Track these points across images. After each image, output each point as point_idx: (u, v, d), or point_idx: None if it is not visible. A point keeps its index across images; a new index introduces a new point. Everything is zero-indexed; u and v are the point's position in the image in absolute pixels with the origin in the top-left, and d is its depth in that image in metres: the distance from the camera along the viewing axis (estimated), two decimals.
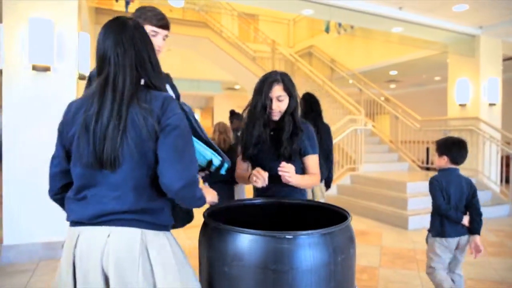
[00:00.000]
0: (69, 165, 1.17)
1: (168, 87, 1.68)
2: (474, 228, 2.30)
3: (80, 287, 1.11)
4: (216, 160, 1.40)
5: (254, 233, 1.13)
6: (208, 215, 1.34)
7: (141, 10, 1.62)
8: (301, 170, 1.85)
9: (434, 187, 2.40)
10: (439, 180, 2.41)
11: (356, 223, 4.98)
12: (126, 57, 1.12)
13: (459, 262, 2.41)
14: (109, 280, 1.09)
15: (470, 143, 6.32)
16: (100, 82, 1.12)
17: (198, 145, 1.36)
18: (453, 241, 2.33)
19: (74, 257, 1.12)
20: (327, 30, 6.46)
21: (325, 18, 5.92)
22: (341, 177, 6.26)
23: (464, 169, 6.29)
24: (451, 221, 2.32)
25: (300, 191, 1.86)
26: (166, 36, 1.62)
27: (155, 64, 1.21)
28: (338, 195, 6.12)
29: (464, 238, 2.34)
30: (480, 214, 2.32)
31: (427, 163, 7.41)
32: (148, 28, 1.55)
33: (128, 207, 1.10)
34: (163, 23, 1.59)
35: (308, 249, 1.12)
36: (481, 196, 5.63)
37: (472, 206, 2.35)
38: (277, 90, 1.74)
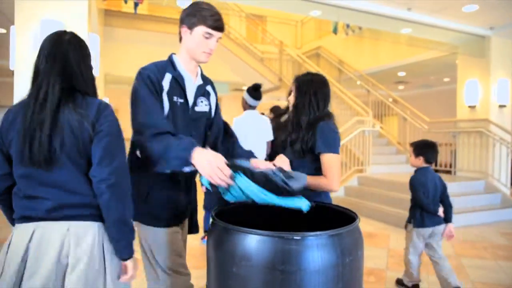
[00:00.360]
0: (10, 168, 1.25)
1: (211, 89, 1.66)
2: (449, 217, 2.78)
3: (29, 280, 1.15)
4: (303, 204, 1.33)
5: (262, 233, 1.13)
6: (216, 215, 1.35)
7: (196, 7, 1.48)
8: (314, 169, 1.77)
9: (416, 185, 2.77)
10: (419, 178, 2.80)
11: (363, 225, 4.94)
12: (54, 67, 1.25)
13: (437, 248, 2.79)
14: (66, 271, 1.17)
15: (479, 145, 6.27)
16: (31, 90, 1.27)
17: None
18: (428, 231, 2.76)
19: (26, 251, 1.16)
20: (335, 31, 6.44)
21: (333, 19, 5.90)
22: (348, 179, 6.24)
23: (473, 172, 6.27)
24: (430, 213, 2.73)
25: (320, 194, 1.76)
26: (220, 38, 1.52)
27: (85, 75, 1.30)
28: (345, 196, 6.09)
29: (440, 227, 2.76)
30: (451, 205, 2.80)
31: (436, 165, 7.34)
32: (202, 30, 1.47)
33: (78, 201, 1.21)
34: (219, 25, 1.48)
35: (316, 250, 1.12)
36: (491, 199, 5.63)
37: (445, 198, 2.80)
38: None
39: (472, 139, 6.43)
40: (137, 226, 1.53)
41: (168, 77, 1.50)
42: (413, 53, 7.94)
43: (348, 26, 7.11)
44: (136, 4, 6.83)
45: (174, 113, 1.51)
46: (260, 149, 3.38)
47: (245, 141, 2.78)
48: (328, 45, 10.01)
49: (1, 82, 11.08)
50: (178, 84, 1.53)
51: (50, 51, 1.28)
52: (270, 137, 3.61)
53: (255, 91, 3.51)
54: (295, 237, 1.12)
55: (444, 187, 2.82)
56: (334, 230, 1.17)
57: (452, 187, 5.63)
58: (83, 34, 3.53)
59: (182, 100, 1.54)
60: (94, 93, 1.33)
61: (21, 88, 3.34)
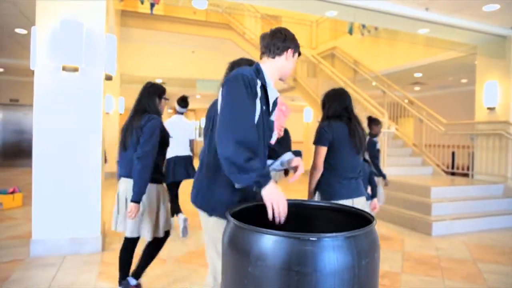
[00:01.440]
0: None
1: (275, 92, 1.71)
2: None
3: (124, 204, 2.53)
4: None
5: (278, 234, 1.13)
6: (232, 215, 1.35)
7: (292, 34, 1.72)
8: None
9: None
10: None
11: (377, 227, 4.89)
12: (137, 100, 2.67)
13: None
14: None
15: (498, 148, 6.13)
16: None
17: None
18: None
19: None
20: (350, 31, 6.38)
21: (349, 20, 5.85)
22: None
23: (491, 175, 6.13)
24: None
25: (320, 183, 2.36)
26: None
27: (149, 105, 2.65)
28: None
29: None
30: None
31: (453, 167, 7.21)
32: (296, 56, 1.74)
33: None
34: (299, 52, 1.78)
35: (332, 251, 1.11)
36: (510, 203, 5.49)
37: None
38: None
39: (491, 141, 6.28)
40: (213, 220, 1.65)
41: (259, 84, 1.60)
42: (430, 53, 7.80)
43: (364, 26, 7.05)
44: (152, 5, 6.91)
45: (260, 120, 1.61)
46: (184, 142, 4.49)
47: (175, 138, 3.93)
48: (343, 46, 9.93)
49: (22, 82, 11.35)
50: (265, 93, 1.64)
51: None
52: (191, 136, 4.61)
53: (182, 101, 4.54)
54: (311, 238, 1.11)
55: None
56: (351, 231, 1.16)
57: (470, 191, 5.53)
58: (100, 34, 3.59)
59: (265, 109, 1.64)
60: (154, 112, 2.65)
61: (41, 88, 3.42)
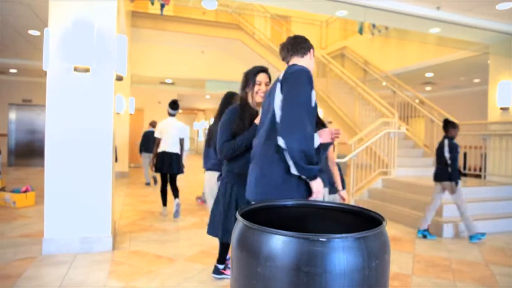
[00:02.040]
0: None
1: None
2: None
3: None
4: None
5: (287, 234, 1.12)
6: (242, 215, 1.36)
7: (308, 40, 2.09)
8: None
9: None
10: None
11: (388, 228, 4.85)
12: (219, 106, 3.33)
13: None
14: None
15: None
16: None
17: None
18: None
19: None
20: (360, 31, 6.34)
21: (360, 19, 5.81)
22: (372, 181, 6.13)
23: (504, 176, 6.03)
24: None
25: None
26: None
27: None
28: (369, 199, 5.99)
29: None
30: None
31: (464, 168, 7.11)
32: (314, 57, 2.08)
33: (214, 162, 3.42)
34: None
35: (342, 252, 1.10)
36: None
37: None
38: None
39: (504, 142, 6.18)
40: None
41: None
42: (441, 53, 7.72)
43: (374, 26, 6.99)
44: (162, 6, 6.95)
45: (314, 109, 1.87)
46: (174, 142, 5.12)
47: (166, 136, 5.08)
48: (353, 46, 9.87)
49: (34, 82, 11.54)
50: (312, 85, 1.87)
51: None
52: (181, 135, 5.22)
53: (174, 104, 5.24)
54: (321, 239, 1.11)
55: None
56: (361, 232, 1.15)
57: (482, 192, 5.44)
58: (111, 35, 3.63)
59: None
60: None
61: (53, 88, 3.47)
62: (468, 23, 5.53)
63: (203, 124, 22.99)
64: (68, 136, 3.49)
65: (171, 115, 5.22)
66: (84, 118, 3.53)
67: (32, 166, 11.26)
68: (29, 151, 11.57)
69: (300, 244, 1.11)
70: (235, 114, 2.49)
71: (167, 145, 5.06)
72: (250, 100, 2.50)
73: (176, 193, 5.15)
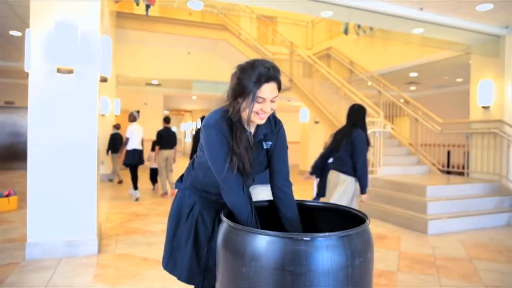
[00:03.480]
0: None
1: None
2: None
3: None
4: None
5: (271, 234, 1.13)
6: (226, 216, 1.36)
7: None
8: None
9: None
10: None
11: (374, 226, 4.91)
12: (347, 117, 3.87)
13: None
14: None
15: (493, 147, 6.17)
16: None
17: None
18: None
19: None
20: (345, 32, 6.40)
21: (345, 20, 5.87)
22: None
23: (487, 173, 6.16)
24: None
25: None
26: None
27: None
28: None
29: None
30: None
31: (448, 166, 7.24)
32: None
33: None
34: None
35: (325, 251, 1.12)
36: (505, 201, 5.52)
37: None
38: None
39: (486, 140, 6.32)
40: None
41: None
42: (425, 53, 7.84)
43: (359, 26, 7.07)
44: (147, 6, 6.88)
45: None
46: (139, 141, 6.82)
47: (135, 137, 6.76)
48: (339, 46, 9.96)
49: (16, 84, 11.30)
50: None
51: None
52: (141, 136, 6.92)
53: (137, 113, 6.97)
54: (304, 238, 1.12)
55: None
56: (344, 231, 1.17)
57: (465, 189, 5.55)
58: (95, 36, 3.59)
59: None
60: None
61: (36, 90, 3.41)
62: (450, 24, 5.64)
63: (190, 125, 22.88)
64: (52, 139, 3.43)
65: (136, 120, 6.88)
66: (68, 120, 3.48)
67: (15, 170, 11.02)
68: (12, 154, 11.32)
69: (284, 244, 1.12)
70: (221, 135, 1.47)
71: (136, 144, 6.71)
72: (243, 115, 1.45)
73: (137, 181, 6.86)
